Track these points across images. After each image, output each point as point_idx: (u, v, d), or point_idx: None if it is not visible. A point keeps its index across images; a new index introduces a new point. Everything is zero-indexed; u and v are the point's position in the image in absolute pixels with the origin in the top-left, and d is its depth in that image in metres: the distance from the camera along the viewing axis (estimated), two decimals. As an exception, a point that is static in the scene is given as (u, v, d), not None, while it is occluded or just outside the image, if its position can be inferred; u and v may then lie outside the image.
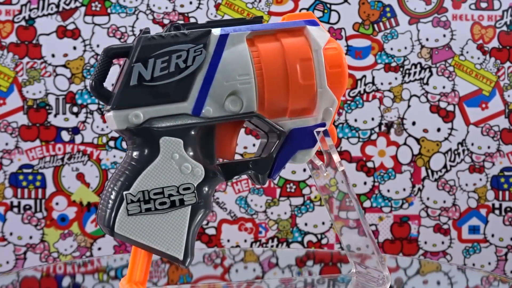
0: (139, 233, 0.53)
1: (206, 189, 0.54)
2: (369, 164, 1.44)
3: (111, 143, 1.42)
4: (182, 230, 0.53)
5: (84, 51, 1.42)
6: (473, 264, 1.45)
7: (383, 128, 1.45)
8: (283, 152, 0.56)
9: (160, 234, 0.53)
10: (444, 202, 1.45)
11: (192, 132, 0.54)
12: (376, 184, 1.44)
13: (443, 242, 1.45)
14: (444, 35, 1.45)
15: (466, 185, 1.45)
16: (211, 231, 1.43)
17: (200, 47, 0.54)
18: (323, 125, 0.56)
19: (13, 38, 1.41)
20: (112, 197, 0.54)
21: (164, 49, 0.54)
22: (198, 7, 1.43)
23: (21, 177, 1.40)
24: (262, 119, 0.55)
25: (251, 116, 0.55)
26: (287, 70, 0.54)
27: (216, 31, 0.55)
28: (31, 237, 1.40)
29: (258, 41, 0.56)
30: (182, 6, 1.43)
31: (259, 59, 0.55)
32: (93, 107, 1.41)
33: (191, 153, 0.54)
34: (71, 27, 1.42)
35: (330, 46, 0.56)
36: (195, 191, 0.54)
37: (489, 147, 1.45)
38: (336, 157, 0.57)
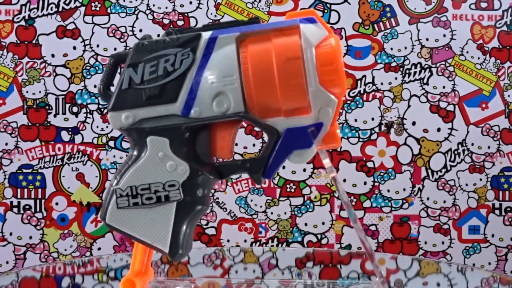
0: (128, 225, 0.57)
1: (193, 186, 0.57)
2: (369, 164, 1.44)
3: (111, 143, 1.42)
4: (167, 225, 0.57)
5: (84, 51, 1.42)
6: (473, 264, 1.45)
7: (383, 128, 1.44)
8: (278, 152, 0.55)
9: (147, 227, 0.57)
10: (444, 202, 1.45)
11: (180, 132, 0.56)
12: (376, 184, 1.44)
13: (443, 242, 1.45)
14: (444, 35, 1.45)
15: (466, 185, 1.45)
16: (211, 231, 1.43)
17: (188, 51, 0.56)
18: (319, 125, 0.55)
19: (13, 38, 1.41)
20: (109, 191, 0.58)
21: (153, 54, 0.57)
22: (198, 7, 1.43)
23: (21, 177, 1.40)
24: (249, 119, 0.55)
25: (238, 116, 0.55)
26: (275, 70, 0.54)
27: (206, 35, 0.56)
28: (31, 237, 1.40)
29: (250, 42, 0.56)
30: (182, 6, 1.43)
31: (246, 60, 0.55)
32: (93, 107, 1.41)
33: (178, 152, 0.57)
34: (71, 27, 1.42)
35: (325, 44, 0.54)
36: (180, 188, 0.56)
37: (489, 147, 1.45)
38: (326, 162, 0.56)
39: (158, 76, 0.56)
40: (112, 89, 0.59)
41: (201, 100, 0.56)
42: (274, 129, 0.55)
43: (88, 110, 1.41)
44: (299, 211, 1.43)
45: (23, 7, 1.41)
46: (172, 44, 0.57)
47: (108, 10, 1.42)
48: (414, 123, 1.45)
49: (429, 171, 1.45)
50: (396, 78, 1.45)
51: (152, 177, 0.57)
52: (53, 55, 1.41)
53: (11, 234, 1.40)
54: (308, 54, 0.53)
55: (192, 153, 0.57)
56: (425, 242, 1.44)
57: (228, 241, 1.43)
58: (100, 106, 1.41)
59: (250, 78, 0.55)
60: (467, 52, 1.45)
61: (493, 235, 1.45)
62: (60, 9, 1.41)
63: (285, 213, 1.43)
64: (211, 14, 1.43)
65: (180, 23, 1.43)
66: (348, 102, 1.44)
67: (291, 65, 0.54)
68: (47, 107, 1.41)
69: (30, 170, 1.40)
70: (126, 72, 0.57)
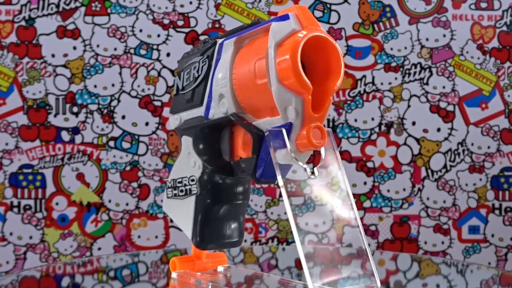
0: (173, 212, 0.64)
1: (208, 182, 0.60)
2: (369, 164, 1.44)
3: (111, 143, 1.42)
4: (190, 215, 0.62)
5: (84, 51, 1.42)
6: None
7: (383, 128, 1.45)
8: (263, 152, 0.55)
9: (181, 216, 0.63)
10: (444, 202, 1.45)
11: (199, 132, 0.61)
12: (376, 184, 1.44)
13: (443, 242, 1.45)
14: (444, 35, 1.45)
15: (466, 185, 1.45)
16: (211, 231, 1.43)
17: (205, 58, 0.60)
18: (288, 125, 0.52)
19: (13, 38, 1.41)
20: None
21: (188, 62, 0.63)
22: (198, 7, 1.43)
23: (21, 177, 1.40)
24: (239, 119, 0.56)
25: (232, 116, 0.56)
26: (249, 70, 0.54)
27: (219, 41, 0.59)
28: (31, 237, 1.41)
29: (246, 44, 0.56)
30: (182, 6, 1.43)
31: (237, 62, 0.56)
32: (93, 107, 1.41)
33: (197, 150, 0.61)
34: (71, 27, 1.42)
35: (288, 41, 0.51)
36: (197, 183, 0.61)
37: (489, 147, 1.45)
38: (279, 178, 0.53)
39: (190, 82, 0.62)
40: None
41: (215, 102, 0.58)
42: (259, 130, 0.55)
43: (88, 110, 1.41)
44: (299, 211, 1.43)
45: (23, 7, 1.41)
46: (198, 52, 0.61)
47: (108, 10, 1.42)
48: (414, 123, 1.45)
49: (429, 171, 1.45)
50: (396, 78, 1.45)
51: (184, 171, 0.63)
52: (53, 55, 1.41)
53: (11, 234, 1.41)
54: (271, 52, 0.51)
55: (208, 151, 0.61)
56: (425, 242, 1.45)
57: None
58: (100, 106, 1.41)
59: (236, 79, 0.55)
60: (467, 52, 1.45)
61: (493, 235, 1.45)
62: (60, 9, 1.41)
63: (285, 213, 1.43)
64: (211, 14, 1.43)
65: (180, 23, 1.43)
66: (348, 102, 1.44)
67: (258, 65, 0.53)
68: (47, 107, 1.41)
69: (30, 170, 1.41)
70: (175, 80, 0.64)
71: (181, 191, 0.63)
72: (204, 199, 0.61)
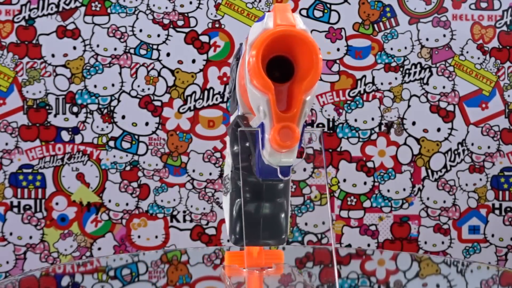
0: (224, 208, 0.67)
1: (236, 180, 0.63)
2: (369, 164, 1.44)
3: (111, 143, 1.42)
4: (228, 212, 0.65)
5: (84, 51, 1.42)
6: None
7: (383, 128, 1.45)
8: (256, 151, 0.55)
9: (226, 212, 0.66)
10: (444, 202, 1.45)
11: (233, 133, 0.61)
12: (376, 184, 1.44)
13: (443, 242, 1.45)
14: (444, 35, 1.45)
15: (466, 185, 1.45)
16: (211, 231, 1.43)
17: (235, 60, 0.61)
18: (262, 125, 0.51)
19: (13, 38, 1.41)
20: None
21: (232, 66, 0.65)
22: (198, 7, 1.43)
23: (21, 177, 1.40)
24: (241, 119, 0.57)
25: (238, 117, 0.58)
26: (240, 71, 0.55)
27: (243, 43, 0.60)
28: (31, 237, 1.41)
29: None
30: (182, 6, 1.43)
31: (241, 63, 0.56)
32: (93, 107, 1.41)
33: (232, 149, 0.62)
34: (71, 27, 1.42)
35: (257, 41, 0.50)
36: (230, 181, 0.64)
37: (489, 147, 1.45)
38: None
39: (232, 85, 0.63)
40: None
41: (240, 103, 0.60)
42: (253, 130, 0.56)
43: (88, 110, 1.41)
44: (299, 211, 1.43)
45: (23, 7, 1.41)
46: (235, 55, 0.63)
47: (108, 10, 1.42)
48: (414, 123, 1.45)
49: (429, 171, 1.45)
50: (396, 78, 1.45)
51: (226, 170, 0.66)
52: (53, 55, 1.41)
53: (11, 234, 1.41)
54: (247, 53, 0.51)
55: (238, 150, 0.61)
56: (425, 242, 1.45)
57: (228, 241, 1.43)
58: (100, 106, 1.41)
59: (237, 82, 0.57)
60: (467, 52, 1.45)
61: (493, 235, 1.45)
62: (60, 9, 1.41)
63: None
64: (211, 14, 1.43)
65: (180, 23, 1.43)
66: (348, 102, 1.44)
67: (241, 66, 0.54)
68: (47, 107, 1.41)
69: (30, 170, 1.41)
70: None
71: (226, 188, 0.66)
72: (236, 197, 0.63)
